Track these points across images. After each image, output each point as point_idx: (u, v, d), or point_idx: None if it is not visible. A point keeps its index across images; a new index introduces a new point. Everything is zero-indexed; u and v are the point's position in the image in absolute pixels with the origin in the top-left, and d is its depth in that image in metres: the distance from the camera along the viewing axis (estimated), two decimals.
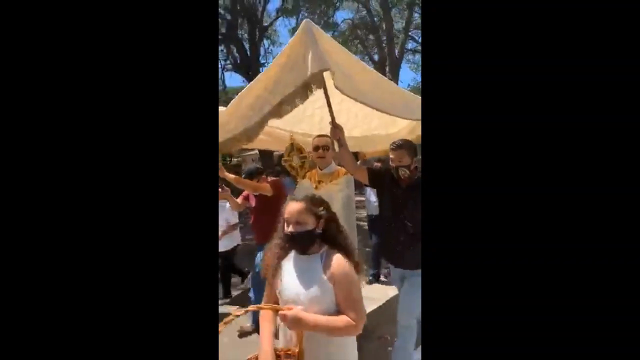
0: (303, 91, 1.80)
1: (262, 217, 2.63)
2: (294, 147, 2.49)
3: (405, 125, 2.90)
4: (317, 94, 2.40)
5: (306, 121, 2.78)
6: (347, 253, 1.29)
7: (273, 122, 2.52)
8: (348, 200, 2.37)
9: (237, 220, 3.88)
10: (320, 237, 1.31)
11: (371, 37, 14.10)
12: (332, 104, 2.46)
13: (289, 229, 1.28)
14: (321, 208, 1.31)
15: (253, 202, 2.88)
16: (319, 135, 2.45)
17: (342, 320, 1.20)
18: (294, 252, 1.34)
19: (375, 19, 13.25)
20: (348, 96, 1.88)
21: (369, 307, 2.75)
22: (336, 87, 1.83)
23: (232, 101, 2.37)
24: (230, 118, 2.28)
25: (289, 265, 1.34)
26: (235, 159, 14.04)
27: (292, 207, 1.29)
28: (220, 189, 2.76)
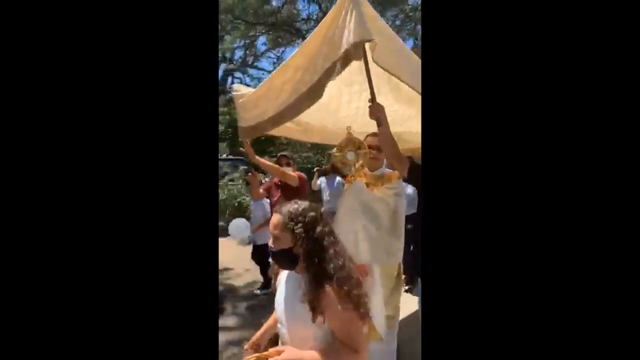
0: (341, 64, 1.59)
1: None
2: (351, 142, 2.15)
3: None
4: (354, 77, 2.22)
5: (343, 108, 2.56)
6: (338, 284, 0.99)
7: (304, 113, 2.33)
8: (400, 208, 2.14)
9: None
10: (300, 258, 1.05)
11: None
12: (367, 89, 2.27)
13: (270, 243, 1.12)
14: (299, 225, 1.05)
15: (274, 196, 2.85)
16: (373, 134, 2.21)
17: (340, 353, 0.99)
18: None
19: None
20: (389, 72, 1.66)
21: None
22: (374, 61, 1.62)
23: (261, 83, 2.21)
24: (258, 101, 2.11)
25: (282, 279, 1.20)
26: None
27: (272, 220, 1.12)
28: (250, 173, 2.71)
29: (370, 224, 2.06)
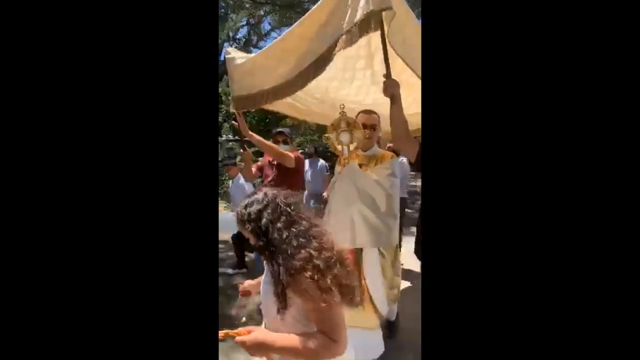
0: (355, 34, 1.43)
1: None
2: (345, 122, 1.95)
3: None
4: (360, 51, 2.04)
5: (345, 85, 2.37)
6: (300, 270, 0.90)
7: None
8: (395, 189, 2.02)
9: None
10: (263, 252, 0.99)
11: None
12: (373, 65, 2.08)
13: None
14: (247, 222, 0.98)
15: (268, 176, 2.63)
16: (365, 112, 2.07)
17: (316, 339, 0.90)
18: None
19: None
20: (397, 53, 1.50)
21: None
22: (390, 43, 1.46)
23: (259, 51, 2.02)
24: (255, 69, 1.93)
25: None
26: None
27: None
28: (242, 150, 2.56)
29: (367, 208, 1.96)
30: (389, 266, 2.04)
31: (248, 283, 1.29)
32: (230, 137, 9.47)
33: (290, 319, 0.94)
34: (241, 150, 2.58)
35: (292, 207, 0.99)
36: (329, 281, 0.88)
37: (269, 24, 12.94)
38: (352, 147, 1.96)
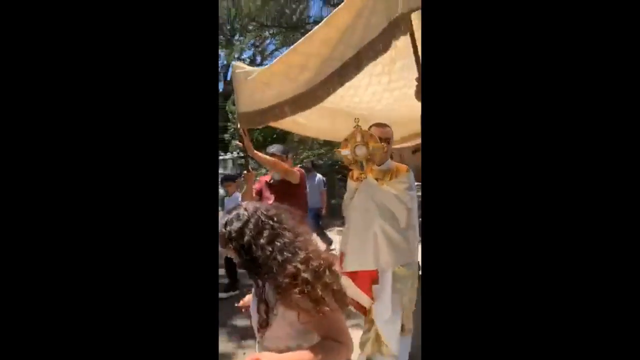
0: (387, 38, 1.32)
1: None
2: (360, 135, 1.83)
3: None
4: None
5: (360, 92, 2.24)
6: (286, 287, 0.89)
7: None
8: (414, 203, 1.93)
9: None
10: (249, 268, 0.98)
11: None
12: (391, 72, 2.01)
13: None
14: (229, 240, 0.96)
15: (268, 199, 2.53)
16: (379, 125, 1.97)
17: (323, 347, 0.89)
18: None
19: None
20: None
21: None
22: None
23: (273, 62, 1.92)
24: (272, 80, 1.82)
25: None
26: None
27: None
28: (246, 171, 2.48)
29: (387, 224, 1.85)
30: (406, 287, 1.88)
31: (249, 298, 1.25)
32: (242, 154, 9.43)
33: (283, 334, 0.93)
34: (245, 172, 2.48)
35: (275, 219, 0.96)
36: (319, 291, 0.87)
37: (274, 44, 13.15)
38: (368, 161, 1.85)
